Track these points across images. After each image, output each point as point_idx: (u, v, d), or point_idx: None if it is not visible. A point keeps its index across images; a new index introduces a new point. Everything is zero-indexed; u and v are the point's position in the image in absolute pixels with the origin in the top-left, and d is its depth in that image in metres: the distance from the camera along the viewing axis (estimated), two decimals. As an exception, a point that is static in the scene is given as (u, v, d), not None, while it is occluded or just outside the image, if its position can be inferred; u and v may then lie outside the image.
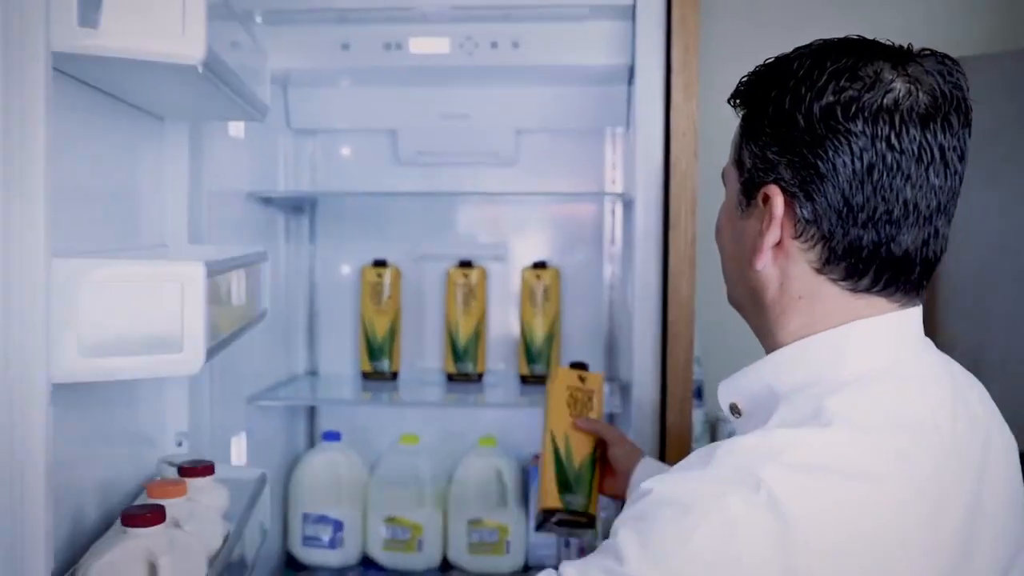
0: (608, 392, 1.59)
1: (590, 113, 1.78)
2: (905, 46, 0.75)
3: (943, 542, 0.69)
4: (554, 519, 1.24)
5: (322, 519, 1.75)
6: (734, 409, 0.82)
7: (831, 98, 0.72)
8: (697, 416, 1.86)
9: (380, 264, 1.83)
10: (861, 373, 0.74)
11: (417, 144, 1.84)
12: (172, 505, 0.96)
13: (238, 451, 1.57)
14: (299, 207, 1.89)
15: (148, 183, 1.23)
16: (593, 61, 1.61)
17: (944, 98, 0.72)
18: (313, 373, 1.94)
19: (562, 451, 1.27)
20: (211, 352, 0.88)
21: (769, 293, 0.79)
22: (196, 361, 0.84)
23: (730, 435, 0.85)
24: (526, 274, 1.80)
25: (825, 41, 0.76)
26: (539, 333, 1.78)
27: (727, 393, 0.84)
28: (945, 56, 0.74)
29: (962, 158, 0.74)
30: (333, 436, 1.80)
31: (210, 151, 1.40)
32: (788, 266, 0.77)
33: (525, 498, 1.78)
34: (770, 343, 0.81)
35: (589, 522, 1.25)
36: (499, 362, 1.87)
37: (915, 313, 0.78)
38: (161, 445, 1.30)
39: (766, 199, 0.77)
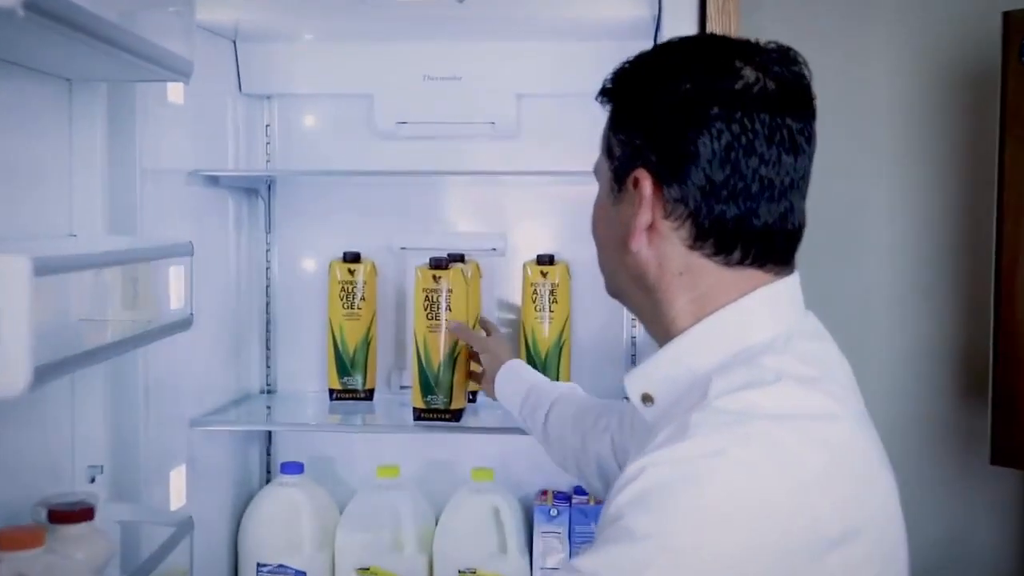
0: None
1: (606, 75, 1.71)
2: (752, 40, 0.94)
3: (884, 455, 0.90)
4: (423, 416, 1.60)
5: (281, 569, 1.73)
6: (646, 398, 0.97)
7: (689, 86, 0.90)
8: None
9: (352, 258, 1.77)
10: (771, 339, 0.91)
11: (397, 112, 1.82)
12: (22, 559, 0.95)
13: (177, 486, 1.54)
14: (253, 189, 1.87)
15: (55, 159, 1.17)
16: (609, 12, 1.60)
17: (789, 85, 0.91)
18: (270, 391, 1.93)
19: (421, 354, 1.58)
20: (48, 371, 0.85)
21: (651, 274, 0.95)
22: (17, 381, 0.82)
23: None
24: (529, 270, 1.76)
25: (682, 39, 0.98)
26: (545, 341, 1.74)
27: (637, 384, 0.97)
28: (789, 48, 0.93)
29: (809, 140, 0.92)
30: (294, 468, 1.77)
31: (143, 121, 1.36)
32: (663, 245, 0.93)
33: (529, 543, 1.75)
34: (662, 326, 0.96)
35: (453, 416, 1.60)
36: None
37: (795, 280, 0.96)
38: (70, 481, 1.25)
39: (636, 183, 0.93)
